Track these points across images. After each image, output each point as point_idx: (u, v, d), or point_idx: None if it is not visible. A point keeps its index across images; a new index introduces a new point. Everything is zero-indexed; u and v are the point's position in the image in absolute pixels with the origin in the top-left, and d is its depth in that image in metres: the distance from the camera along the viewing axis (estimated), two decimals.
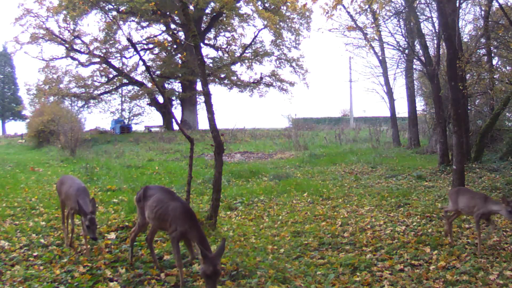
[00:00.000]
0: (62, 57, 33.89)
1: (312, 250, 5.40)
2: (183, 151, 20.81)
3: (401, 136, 23.46)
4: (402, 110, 57.45)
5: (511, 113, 16.11)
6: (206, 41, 37.17)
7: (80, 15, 30.23)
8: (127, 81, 36.54)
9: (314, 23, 37.33)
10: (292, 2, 28.56)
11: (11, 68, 57.37)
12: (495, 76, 13.56)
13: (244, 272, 4.46)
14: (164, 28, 35.75)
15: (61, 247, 5.38)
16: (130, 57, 35.72)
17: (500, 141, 14.61)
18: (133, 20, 34.40)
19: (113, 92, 38.08)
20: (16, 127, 75.76)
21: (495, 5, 12.74)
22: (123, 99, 40.10)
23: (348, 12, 16.45)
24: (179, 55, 32.03)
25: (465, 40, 14.91)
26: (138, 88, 36.23)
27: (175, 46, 34.15)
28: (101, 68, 35.16)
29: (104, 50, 33.84)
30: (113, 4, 32.16)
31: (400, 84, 51.79)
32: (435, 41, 14.59)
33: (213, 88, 37.92)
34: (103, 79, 36.07)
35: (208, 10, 35.01)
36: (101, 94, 36.73)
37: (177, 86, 37.95)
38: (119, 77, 35.49)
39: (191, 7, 28.62)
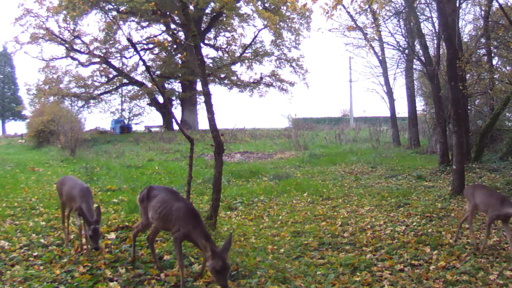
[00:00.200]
0: (62, 57, 33.94)
1: (312, 250, 5.40)
2: (183, 151, 20.81)
3: (401, 136, 23.46)
4: (402, 110, 57.46)
5: (511, 113, 16.12)
6: (206, 41, 37.17)
7: (80, 15, 30.23)
8: (127, 81, 36.55)
9: (314, 23, 37.37)
10: (292, 2, 28.55)
11: (11, 68, 57.38)
12: (495, 76, 13.57)
13: (244, 272, 4.46)
14: (164, 28, 35.77)
15: (61, 247, 5.38)
16: (130, 57, 35.79)
17: (500, 141, 14.62)
18: (133, 20, 34.41)
19: (113, 92, 38.10)
20: (16, 127, 75.77)
21: (495, 5, 12.76)
22: (123, 99, 40.14)
23: (348, 12, 16.49)
24: (179, 55, 32.02)
25: (465, 40, 14.92)
26: (138, 88, 36.24)
27: (175, 46, 34.15)
28: (101, 68, 35.17)
29: (104, 50, 33.84)
30: (113, 4, 32.15)
31: (400, 84, 51.75)
32: (435, 41, 14.59)
33: (213, 88, 38.00)
34: (103, 79, 36.08)
35: (208, 10, 35.00)
36: (101, 94, 36.73)
37: (177, 86, 38.00)
38: (119, 77, 35.50)
39: (191, 7, 28.60)
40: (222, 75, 36.46)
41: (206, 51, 39.82)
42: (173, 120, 7.50)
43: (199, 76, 26.32)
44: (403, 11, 14.42)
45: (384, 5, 11.73)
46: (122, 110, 41.01)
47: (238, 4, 34.10)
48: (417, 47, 15.98)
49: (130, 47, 31.90)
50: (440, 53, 13.86)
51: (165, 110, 35.78)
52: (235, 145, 24.67)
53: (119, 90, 38.44)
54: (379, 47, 19.75)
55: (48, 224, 6.62)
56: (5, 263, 4.78)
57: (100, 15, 32.08)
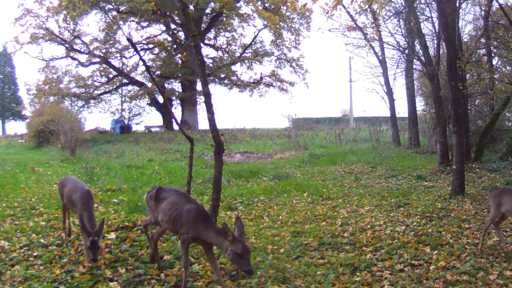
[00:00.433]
0: (62, 57, 33.94)
1: (312, 250, 5.40)
2: (183, 151, 20.80)
3: (401, 136, 23.46)
4: (402, 110, 57.47)
5: (511, 113, 16.12)
6: (206, 41, 37.19)
7: (80, 15, 30.24)
8: (127, 81, 36.56)
9: (314, 23, 37.36)
10: (292, 2, 28.52)
11: (11, 68, 57.40)
12: (495, 76, 13.57)
13: None
14: (164, 28, 35.78)
15: (61, 247, 5.38)
16: (130, 57, 35.81)
17: (500, 141, 14.63)
18: (133, 20, 34.43)
19: (113, 92, 38.09)
20: (16, 127, 75.48)
21: (495, 5, 12.75)
22: (123, 99, 40.10)
23: (348, 12, 16.49)
24: (179, 55, 32.06)
25: (465, 40, 14.92)
26: (138, 88, 36.22)
27: (175, 46, 34.12)
28: (101, 68, 35.18)
29: (104, 50, 33.87)
30: (113, 4, 32.16)
31: (400, 84, 51.87)
32: (435, 41, 14.58)
33: (213, 88, 37.98)
34: (103, 79, 36.09)
35: (208, 10, 35.01)
36: (101, 94, 36.72)
37: (177, 86, 38.00)
38: (119, 77, 35.50)
39: (191, 7, 28.61)
40: (222, 75, 36.46)
41: (206, 51, 39.87)
42: (173, 120, 7.50)
43: (199, 76, 26.27)
44: (403, 11, 14.41)
45: (384, 5, 11.71)
46: (122, 110, 41.03)
47: (238, 4, 34.12)
48: (417, 47, 15.98)
49: (130, 47, 31.94)
50: (440, 53, 13.86)
51: (165, 110, 35.76)
52: (235, 145, 24.66)
53: (119, 90, 38.48)
54: (379, 47, 19.76)
55: (48, 224, 6.63)
56: (5, 263, 4.78)
57: (100, 15, 32.17)
